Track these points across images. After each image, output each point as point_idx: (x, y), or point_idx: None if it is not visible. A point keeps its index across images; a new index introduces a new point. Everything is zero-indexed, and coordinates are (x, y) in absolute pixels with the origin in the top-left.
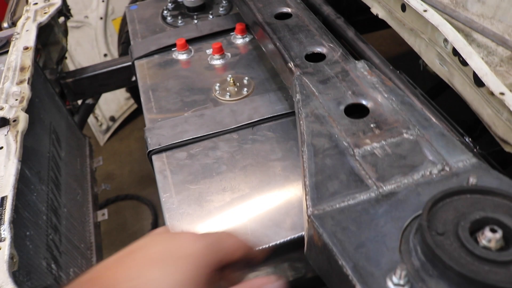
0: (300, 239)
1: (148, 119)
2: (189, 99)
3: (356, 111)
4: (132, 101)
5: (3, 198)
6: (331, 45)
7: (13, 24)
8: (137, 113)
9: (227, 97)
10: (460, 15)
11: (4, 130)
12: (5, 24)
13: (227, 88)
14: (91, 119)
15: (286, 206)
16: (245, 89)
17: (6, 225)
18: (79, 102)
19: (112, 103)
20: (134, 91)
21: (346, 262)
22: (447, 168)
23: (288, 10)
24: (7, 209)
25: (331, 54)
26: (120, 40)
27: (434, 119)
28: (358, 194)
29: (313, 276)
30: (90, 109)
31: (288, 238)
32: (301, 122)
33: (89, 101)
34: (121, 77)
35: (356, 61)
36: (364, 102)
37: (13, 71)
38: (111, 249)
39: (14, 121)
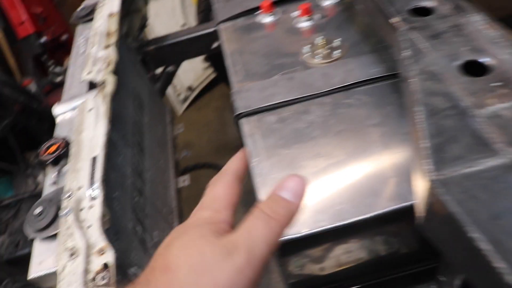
0: (400, 210)
1: (235, 82)
2: (276, 62)
3: (473, 69)
4: (209, 70)
5: (94, 158)
6: None
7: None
8: (214, 83)
9: (318, 60)
10: None
11: (93, 93)
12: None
13: (317, 51)
14: (169, 89)
15: (385, 174)
16: (337, 51)
17: (98, 184)
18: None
19: (190, 73)
20: (213, 59)
21: (480, 235)
22: None
23: None
24: (98, 168)
25: (441, 7)
26: (199, 8)
27: None
28: (485, 160)
29: (407, 253)
30: (171, 77)
31: (389, 208)
32: (412, 80)
33: (170, 69)
34: (202, 44)
35: (472, 14)
36: (483, 59)
37: (99, 37)
38: (188, 216)
39: (102, 83)
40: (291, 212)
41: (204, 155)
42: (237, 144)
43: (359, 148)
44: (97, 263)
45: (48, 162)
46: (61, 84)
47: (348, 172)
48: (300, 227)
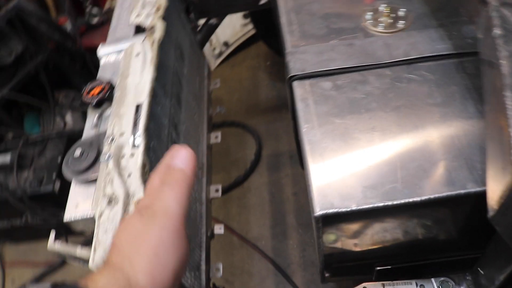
0: (455, 197)
1: (289, 42)
2: (335, 26)
3: None
4: (247, 28)
5: (138, 105)
6: None
7: None
8: (251, 41)
9: (380, 28)
10: None
11: (141, 37)
12: None
13: (380, 19)
14: None
15: (442, 158)
16: (402, 21)
17: (141, 132)
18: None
19: (228, 28)
20: (255, 16)
21: None
22: None
23: None
24: (142, 116)
25: None
26: None
27: None
28: None
29: (445, 240)
30: (213, 30)
31: (444, 194)
32: (502, 62)
33: (213, 21)
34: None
35: None
36: None
37: None
38: (214, 172)
39: (151, 28)
40: (186, 176)
41: (233, 113)
42: (267, 106)
43: (417, 127)
44: None
45: (91, 104)
46: (97, 26)
47: (403, 151)
48: (349, 202)
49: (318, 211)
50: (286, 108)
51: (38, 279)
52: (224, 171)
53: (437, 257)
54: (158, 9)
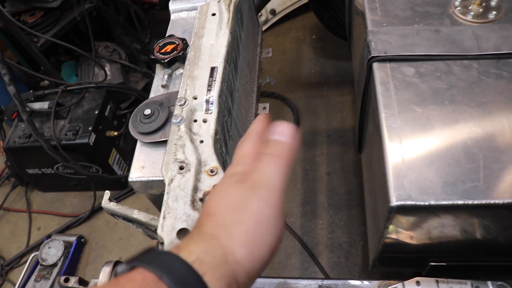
0: None
1: (370, 20)
2: (421, 9)
3: None
4: None
5: (213, 68)
6: None
7: None
8: (298, 12)
9: (469, 17)
10: None
11: None
12: None
13: (470, 7)
14: None
15: None
16: (493, 12)
17: (215, 98)
18: None
19: None
20: None
21: None
22: None
23: None
24: (217, 81)
25: None
26: None
27: None
28: None
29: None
30: None
31: None
32: None
33: None
34: None
35: None
36: None
37: None
38: None
39: None
40: (291, 150)
41: (272, 85)
42: (309, 81)
43: (504, 126)
44: (207, 183)
45: (164, 61)
46: None
47: (487, 150)
48: (428, 197)
49: (395, 201)
50: (328, 85)
51: (64, 230)
52: None
53: (496, 260)
54: None
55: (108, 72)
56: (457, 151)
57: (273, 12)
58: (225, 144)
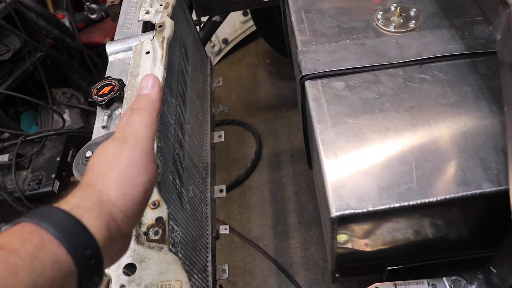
0: (471, 197)
1: (300, 41)
2: (346, 25)
3: None
4: (247, 25)
5: None
6: None
7: None
8: (250, 39)
9: (391, 28)
10: None
11: (150, 34)
12: None
13: (391, 18)
14: None
15: (456, 158)
16: (413, 21)
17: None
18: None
19: (227, 26)
20: (257, 14)
21: None
22: None
23: None
24: None
25: None
26: None
27: None
28: None
29: (458, 239)
30: (216, 27)
31: (460, 194)
32: None
33: (216, 18)
34: None
35: None
36: None
37: None
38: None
39: (160, 26)
40: (152, 100)
41: (232, 112)
42: (267, 104)
43: (431, 127)
44: (150, 216)
45: (102, 103)
46: (96, 22)
47: (417, 151)
48: (365, 203)
49: (335, 212)
50: (286, 106)
51: None
52: (224, 170)
53: (449, 256)
54: (166, 7)
55: (67, 118)
56: (390, 156)
57: (225, 41)
58: (179, 175)
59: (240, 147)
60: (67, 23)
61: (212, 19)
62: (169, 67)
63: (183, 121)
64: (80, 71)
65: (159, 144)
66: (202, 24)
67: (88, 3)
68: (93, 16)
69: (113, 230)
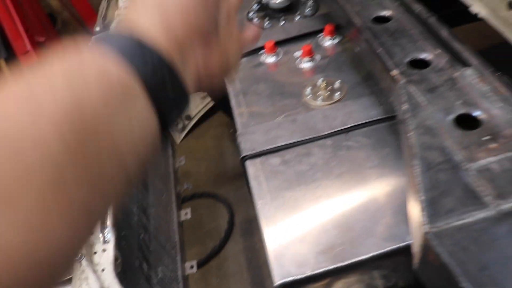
0: (397, 250)
1: (240, 123)
2: (280, 103)
3: (466, 122)
4: (207, 100)
5: None
6: (436, 51)
7: (105, 28)
8: (212, 112)
9: (319, 102)
10: None
11: None
12: (97, 28)
13: (319, 92)
14: None
15: (385, 215)
16: (338, 93)
17: (110, 228)
18: None
19: None
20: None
21: (469, 285)
22: None
23: (387, 13)
24: (109, 212)
25: (436, 60)
26: None
27: None
28: (475, 212)
29: (404, 286)
30: None
31: (386, 249)
32: (410, 134)
33: None
34: None
35: (465, 68)
36: (475, 113)
37: None
38: (188, 247)
39: None
40: None
41: (202, 184)
42: (235, 173)
43: (359, 190)
44: None
45: None
46: None
47: (348, 214)
48: (304, 269)
49: (278, 280)
50: None
51: None
52: (199, 243)
53: None
54: None
55: None
56: (324, 222)
57: (188, 117)
58: (146, 260)
59: (213, 219)
60: None
61: None
62: None
63: (147, 206)
64: None
65: (122, 233)
66: None
67: None
68: None
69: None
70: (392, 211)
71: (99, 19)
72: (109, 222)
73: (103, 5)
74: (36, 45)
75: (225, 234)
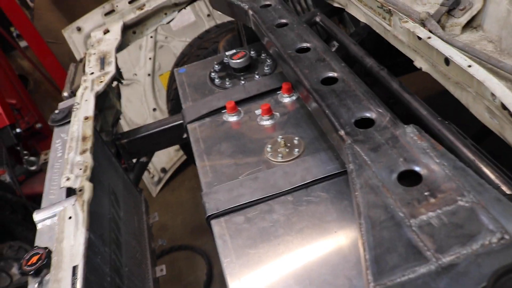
0: None
1: (204, 183)
2: (242, 162)
3: (408, 177)
4: (181, 153)
5: (74, 267)
6: (379, 109)
7: (73, 93)
8: (186, 164)
9: (279, 159)
10: (506, 66)
11: (72, 200)
12: (65, 94)
13: (279, 149)
14: None
15: (345, 268)
16: (296, 149)
17: None
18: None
19: (163, 155)
20: (184, 145)
21: None
22: (506, 236)
23: (334, 74)
24: (78, 278)
25: (379, 119)
26: (169, 96)
27: (487, 185)
28: (417, 267)
29: None
30: (144, 167)
31: None
32: (357, 193)
33: (143, 159)
34: (173, 135)
35: (405, 126)
36: (416, 169)
37: (76, 141)
38: None
39: (80, 190)
40: None
41: (179, 237)
42: None
43: (319, 244)
44: None
45: (29, 273)
46: (36, 172)
47: (310, 268)
48: None
49: None
50: None
51: None
52: None
53: None
54: (85, 170)
55: (16, 273)
56: (287, 277)
57: (163, 170)
58: None
59: (191, 271)
60: (7, 179)
61: (140, 160)
62: (100, 219)
63: (120, 265)
64: (25, 224)
65: None
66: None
67: (26, 157)
68: (33, 168)
69: None
70: (352, 263)
71: (67, 85)
72: (78, 287)
73: (71, 70)
74: (7, 107)
75: (204, 286)
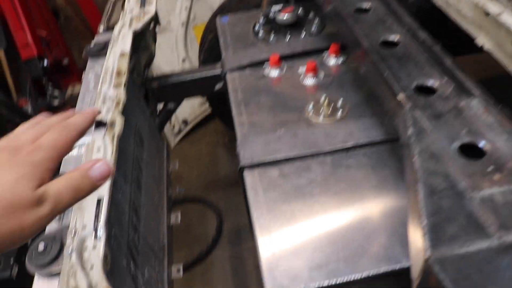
0: (391, 272)
1: (239, 133)
2: (281, 117)
3: (470, 151)
4: (205, 106)
5: (99, 200)
6: (443, 79)
7: (109, 28)
8: (209, 119)
9: (321, 118)
10: None
11: (101, 131)
12: (101, 28)
13: (321, 109)
14: None
15: (379, 235)
16: (340, 111)
17: (102, 225)
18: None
19: (186, 107)
20: (211, 98)
21: None
22: None
23: (395, 38)
24: (103, 210)
25: (442, 88)
26: (202, 47)
27: None
28: (478, 241)
29: None
30: (171, 114)
31: (380, 270)
32: (415, 158)
33: (171, 105)
34: (205, 85)
35: (471, 98)
36: (480, 143)
37: (110, 75)
38: (175, 250)
39: (111, 124)
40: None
41: (193, 189)
42: (227, 181)
43: (356, 209)
44: None
45: None
46: (59, 108)
47: (344, 232)
48: (297, 283)
49: None
50: None
51: None
52: (186, 248)
53: None
54: (117, 104)
55: None
56: (320, 237)
57: (185, 122)
58: (134, 259)
59: (201, 224)
60: (29, 109)
61: (167, 106)
62: (124, 157)
63: (138, 206)
64: None
65: (113, 231)
66: (159, 111)
67: (49, 90)
68: (55, 102)
69: None
70: (388, 232)
71: (104, 19)
72: (102, 219)
73: (109, 6)
74: (37, 38)
75: (212, 240)
